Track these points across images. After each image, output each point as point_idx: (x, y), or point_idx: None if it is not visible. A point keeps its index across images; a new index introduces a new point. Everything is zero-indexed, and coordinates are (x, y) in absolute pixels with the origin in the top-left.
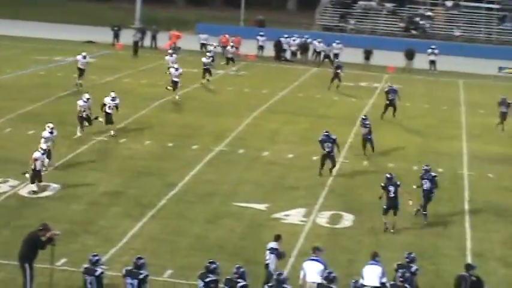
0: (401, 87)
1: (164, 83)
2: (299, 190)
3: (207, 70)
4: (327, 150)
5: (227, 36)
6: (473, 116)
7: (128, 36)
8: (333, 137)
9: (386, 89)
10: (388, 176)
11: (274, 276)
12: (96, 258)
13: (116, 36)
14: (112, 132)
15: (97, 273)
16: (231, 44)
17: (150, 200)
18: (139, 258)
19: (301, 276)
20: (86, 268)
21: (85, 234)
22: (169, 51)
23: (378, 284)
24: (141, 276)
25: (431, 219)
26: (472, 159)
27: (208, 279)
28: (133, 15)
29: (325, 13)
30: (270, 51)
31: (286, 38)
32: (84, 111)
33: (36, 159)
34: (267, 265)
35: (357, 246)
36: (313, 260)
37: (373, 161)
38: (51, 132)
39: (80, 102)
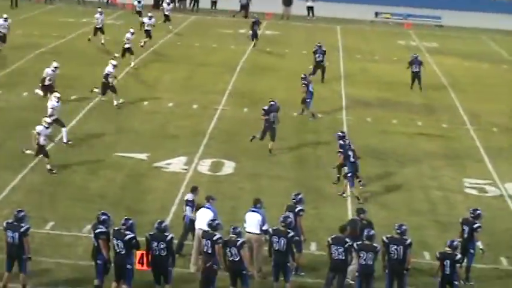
0: (280, 34)
1: (39, 33)
2: (180, 139)
3: (147, 32)
4: (272, 120)
5: None
6: (351, 61)
7: None
8: (278, 105)
9: (314, 49)
10: (341, 134)
11: (155, 225)
12: None
13: None
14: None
15: None
16: None
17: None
18: (20, 211)
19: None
20: None
21: None
22: (99, 9)
23: (258, 231)
24: (22, 229)
25: (312, 163)
26: (350, 104)
27: (98, 231)
28: None
29: None
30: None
31: None
32: (50, 80)
33: (39, 134)
34: (184, 216)
35: (239, 192)
36: (205, 208)
37: (252, 109)
38: (57, 102)
39: (48, 71)
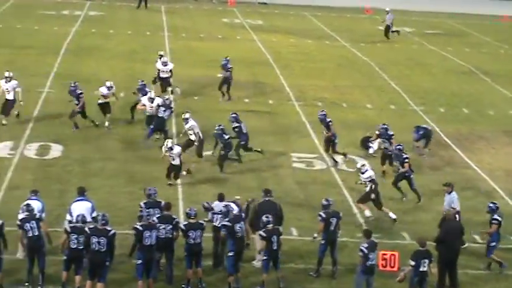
0: (104, 14)
1: None
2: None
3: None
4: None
5: None
6: (176, 40)
7: None
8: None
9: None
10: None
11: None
12: None
13: None
14: None
15: None
16: None
17: None
18: None
19: None
20: None
21: None
22: None
23: (90, 220)
24: None
25: (139, 144)
26: (178, 83)
27: None
28: None
29: None
30: None
31: None
32: None
33: None
34: None
35: (68, 176)
36: (32, 199)
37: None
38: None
39: None
